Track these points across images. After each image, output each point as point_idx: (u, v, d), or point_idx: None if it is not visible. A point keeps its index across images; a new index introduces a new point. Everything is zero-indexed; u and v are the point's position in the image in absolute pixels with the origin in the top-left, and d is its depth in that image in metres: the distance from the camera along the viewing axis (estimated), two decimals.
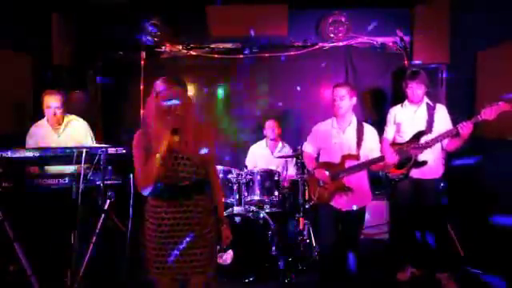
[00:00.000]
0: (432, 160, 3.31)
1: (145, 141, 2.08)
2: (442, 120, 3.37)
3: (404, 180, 3.39)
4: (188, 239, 2.10)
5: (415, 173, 3.36)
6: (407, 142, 3.34)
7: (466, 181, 3.94)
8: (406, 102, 3.53)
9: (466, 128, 3.03)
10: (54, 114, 3.40)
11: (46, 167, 3.18)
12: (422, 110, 3.42)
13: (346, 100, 3.02)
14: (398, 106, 3.59)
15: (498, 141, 3.51)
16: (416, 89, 3.37)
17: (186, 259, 2.10)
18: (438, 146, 3.30)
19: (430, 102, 3.44)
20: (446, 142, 3.32)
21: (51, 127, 3.48)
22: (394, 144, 3.46)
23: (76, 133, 3.55)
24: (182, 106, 2.04)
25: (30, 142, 3.43)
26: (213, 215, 2.26)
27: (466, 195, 3.93)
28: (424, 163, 3.27)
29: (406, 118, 3.47)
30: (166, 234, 2.11)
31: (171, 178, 2.10)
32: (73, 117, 3.60)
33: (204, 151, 2.10)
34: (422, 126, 3.35)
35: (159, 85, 2.06)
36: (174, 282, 2.17)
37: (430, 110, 3.39)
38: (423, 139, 3.27)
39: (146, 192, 2.07)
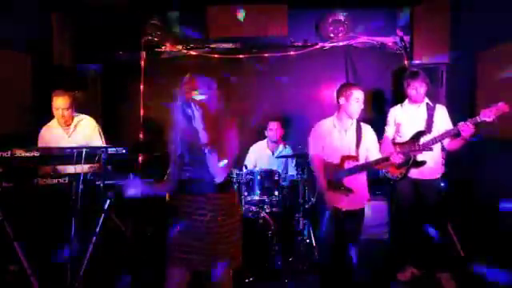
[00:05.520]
0: (431, 160, 3.30)
1: (174, 140, 2.20)
2: (442, 120, 3.36)
3: (403, 180, 3.39)
4: (202, 234, 2.14)
5: (414, 173, 3.35)
6: (407, 141, 3.34)
7: (467, 181, 3.94)
8: (405, 102, 3.52)
9: (466, 129, 3.01)
10: (63, 116, 3.43)
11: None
12: (422, 110, 3.41)
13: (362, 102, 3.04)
14: (398, 106, 3.59)
15: (499, 141, 3.50)
16: (420, 88, 3.35)
17: (200, 253, 2.14)
18: (437, 145, 3.30)
19: (429, 102, 3.44)
20: (446, 141, 3.31)
21: (61, 128, 3.49)
22: (394, 144, 3.46)
23: (85, 132, 3.56)
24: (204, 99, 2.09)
25: (41, 143, 3.45)
26: (235, 215, 2.29)
27: (467, 195, 3.93)
28: (423, 163, 3.26)
29: (406, 118, 3.46)
30: (182, 227, 2.15)
31: (189, 173, 2.16)
32: (82, 116, 3.62)
33: (223, 163, 2.09)
34: (422, 126, 3.34)
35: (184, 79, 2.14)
36: (185, 273, 2.21)
37: (430, 110, 3.38)
38: (423, 139, 3.27)
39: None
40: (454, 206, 3.88)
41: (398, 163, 2.99)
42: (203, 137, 2.05)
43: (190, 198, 2.15)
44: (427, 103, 3.43)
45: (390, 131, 3.58)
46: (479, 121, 2.98)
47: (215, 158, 2.07)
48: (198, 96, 2.08)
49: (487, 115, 2.94)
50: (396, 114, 3.55)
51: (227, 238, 2.20)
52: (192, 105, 2.03)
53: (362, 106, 3.04)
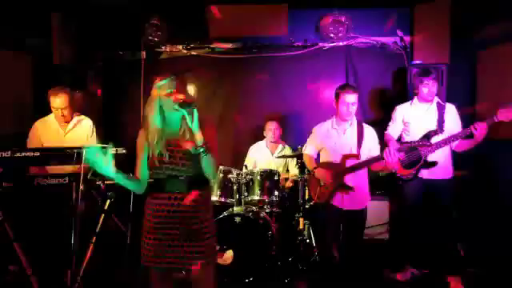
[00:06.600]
0: (442, 160, 3.24)
1: (143, 138, 2.19)
2: (453, 120, 3.29)
3: (413, 180, 3.31)
4: (183, 232, 2.14)
5: (425, 173, 3.28)
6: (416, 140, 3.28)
7: (466, 181, 3.94)
8: (415, 101, 3.44)
9: (480, 129, 2.92)
10: (62, 115, 3.41)
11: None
12: (433, 109, 3.34)
13: (356, 105, 3.02)
14: (406, 104, 3.51)
15: (499, 141, 3.49)
16: (432, 86, 3.28)
17: (181, 251, 2.14)
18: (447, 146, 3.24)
19: (440, 101, 3.37)
20: (455, 142, 3.23)
21: (58, 124, 3.48)
22: (401, 143, 3.40)
23: (83, 132, 3.56)
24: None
25: (33, 137, 3.41)
26: (211, 211, 2.29)
27: (480, 195, 3.87)
28: (434, 164, 3.20)
29: (416, 117, 3.39)
30: (161, 226, 2.15)
31: (167, 171, 2.16)
32: (83, 116, 3.61)
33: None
34: (433, 126, 3.26)
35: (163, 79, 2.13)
36: (167, 274, 2.21)
37: (441, 110, 3.31)
38: (434, 139, 3.17)
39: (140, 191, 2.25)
40: (467, 207, 3.84)
41: (391, 163, 2.87)
42: (199, 138, 2.07)
43: (171, 196, 2.15)
44: (438, 102, 3.36)
45: (394, 128, 3.52)
46: (496, 121, 2.89)
47: (211, 157, 2.11)
48: (187, 97, 2.11)
49: (505, 115, 2.85)
50: (404, 112, 3.47)
51: (207, 234, 2.21)
52: (188, 106, 2.05)
53: (353, 109, 3.02)
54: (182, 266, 2.17)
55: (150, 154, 2.17)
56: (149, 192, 2.23)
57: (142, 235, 2.21)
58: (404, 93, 4.30)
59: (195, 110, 2.05)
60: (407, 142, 3.13)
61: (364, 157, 3.04)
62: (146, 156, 2.20)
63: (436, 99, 3.37)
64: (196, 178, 2.19)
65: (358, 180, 3.06)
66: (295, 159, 4.12)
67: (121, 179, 2.12)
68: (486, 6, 3.82)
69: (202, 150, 2.08)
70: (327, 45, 4.68)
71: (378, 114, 4.64)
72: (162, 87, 2.11)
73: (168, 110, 2.12)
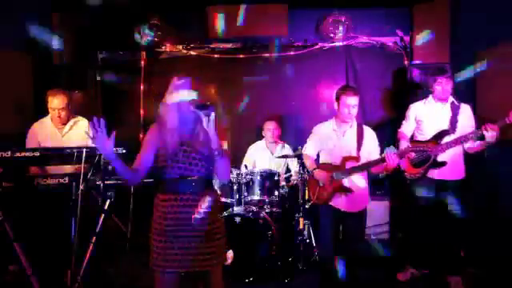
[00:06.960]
0: (453, 160, 3.20)
1: (157, 136, 2.16)
2: (467, 120, 3.26)
3: (422, 180, 3.28)
4: (194, 234, 2.12)
5: (436, 174, 3.25)
6: (427, 140, 3.24)
7: (466, 181, 3.94)
8: (429, 99, 3.41)
9: (492, 131, 2.89)
10: (59, 116, 3.41)
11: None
12: (447, 109, 3.31)
13: (356, 107, 3.01)
14: (420, 102, 3.48)
15: (499, 141, 3.48)
16: (446, 85, 3.25)
17: (192, 253, 2.12)
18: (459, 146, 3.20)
19: (455, 100, 3.34)
20: (468, 143, 3.19)
21: (55, 126, 3.48)
22: (413, 142, 3.38)
23: (80, 133, 3.55)
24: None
25: (31, 138, 3.42)
26: (220, 212, 2.29)
27: (480, 195, 3.85)
28: (443, 164, 3.16)
29: (429, 116, 3.35)
30: (173, 228, 2.12)
31: (180, 171, 2.14)
32: (79, 118, 3.60)
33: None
34: (445, 125, 3.23)
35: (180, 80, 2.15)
36: (173, 276, 2.18)
37: (455, 109, 3.28)
38: (445, 139, 3.16)
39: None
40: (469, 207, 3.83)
41: (392, 166, 2.84)
42: (215, 139, 2.08)
43: (183, 197, 2.14)
44: (452, 101, 3.33)
45: (407, 127, 3.50)
46: (508, 123, 2.87)
47: (226, 159, 2.14)
48: (204, 99, 2.12)
49: None
50: (417, 110, 3.44)
51: (218, 235, 2.21)
52: (204, 107, 2.06)
53: (354, 112, 3.00)
54: (193, 269, 2.14)
55: (161, 152, 2.15)
56: (158, 193, 2.20)
57: (151, 238, 2.17)
58: (404, 93, 4.30)
59: (213, 113, 2.04)
60: (414, 144, 3.13)
61: (363, 159, 3.04)
62: (151, 151, 2.16)
63: (451, 99, 3.34)
64: (207, 179, 2.20)
65: (357, 182, 3.05)
66: (296, 159, 4.11)
67: (119, 164, 2.06)
68: (485, 6, 3.81)
69: (217, 152, 2.08)
70: (327, 45, 4.69)
71: (377, 114, 4.64)
72: (178, 87, 2.12)
73: (184, 110, 2.11)
